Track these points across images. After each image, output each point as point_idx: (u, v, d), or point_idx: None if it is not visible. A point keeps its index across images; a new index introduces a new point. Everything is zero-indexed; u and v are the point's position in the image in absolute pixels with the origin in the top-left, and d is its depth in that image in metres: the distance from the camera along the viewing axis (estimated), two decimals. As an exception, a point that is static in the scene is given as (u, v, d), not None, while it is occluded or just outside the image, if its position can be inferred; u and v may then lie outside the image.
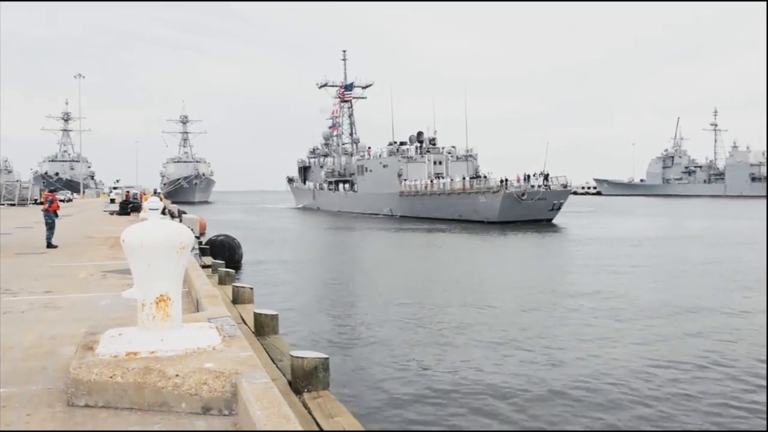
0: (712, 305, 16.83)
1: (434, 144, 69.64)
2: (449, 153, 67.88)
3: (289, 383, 6.33)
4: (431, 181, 60.54)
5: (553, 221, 50.92)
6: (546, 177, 52.27)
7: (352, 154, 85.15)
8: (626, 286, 19.93)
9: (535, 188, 51.14)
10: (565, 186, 53.40)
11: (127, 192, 51.35)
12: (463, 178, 57.88)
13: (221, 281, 13.76)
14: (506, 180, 52.34)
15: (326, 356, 6.45)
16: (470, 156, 67.88)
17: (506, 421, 8.82)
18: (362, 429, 5.53)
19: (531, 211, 50.29)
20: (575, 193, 64.75)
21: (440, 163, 66.29)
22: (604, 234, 40.36)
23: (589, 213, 66.45)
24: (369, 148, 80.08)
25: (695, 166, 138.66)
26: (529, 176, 53.02)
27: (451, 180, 58.72)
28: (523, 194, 50.11)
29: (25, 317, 7.38)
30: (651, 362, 11.48)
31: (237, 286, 11.55)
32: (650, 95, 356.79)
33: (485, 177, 57.33)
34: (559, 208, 51.92)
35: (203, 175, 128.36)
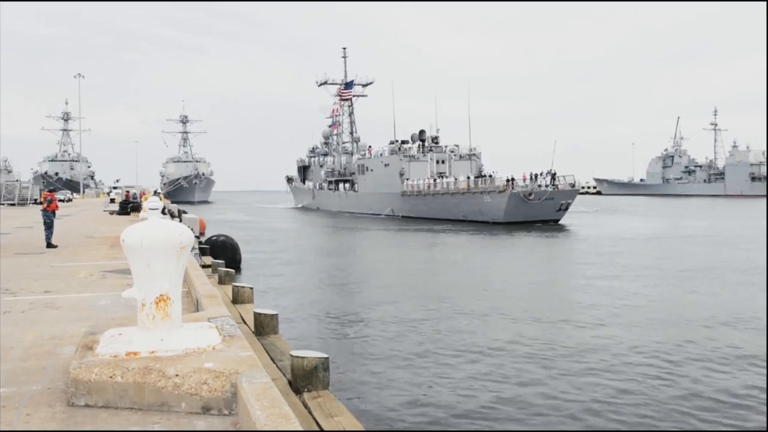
0: (714, 305, 16.83)
1: (437, 142, 68.60)
2: (452, 152, 66.95)
3: (289, 383, 6.33)
4: (434, 181, 59.69)
5: (560, 222, 50.09)
6: (553, 176, 50.96)
7: (352, 153, 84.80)
8: (634, 288, 19.87)
9: (542, 188, 49.92)
10: (573, 185, 51.99)
11: (127, 192, 51.41)
12: (468, 178, 56.77)
13: (221, 281, 13.77)
14: (512, 179, 51.03)
15: (326, 356, 6.44)
16: (474, 155, 66.87)
17: (507, 421, 8.82)
18: (362, 429, 5.53)
19: (538, 212, 49.30)
20: (575, 192, 63.70)
21: (443, 162, 65.32)
22: (611, 234, 40.09)
23: (592, 213, 66.17)
24: (370, 147, 79.66)
25: (695, 166, 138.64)
26: (535, 175, 51.75)
27: (455, 179, 57.65)
28: (530, 194, 49.00)
29: (25, 317, 7.37)
30: (652, 362, 11.48)
31: (237, 286, 11.55)
32: (650, 95, 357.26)
33: (490, 176, 56.05)
34: (567, 209, 50.76)
35: (203, 174, 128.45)
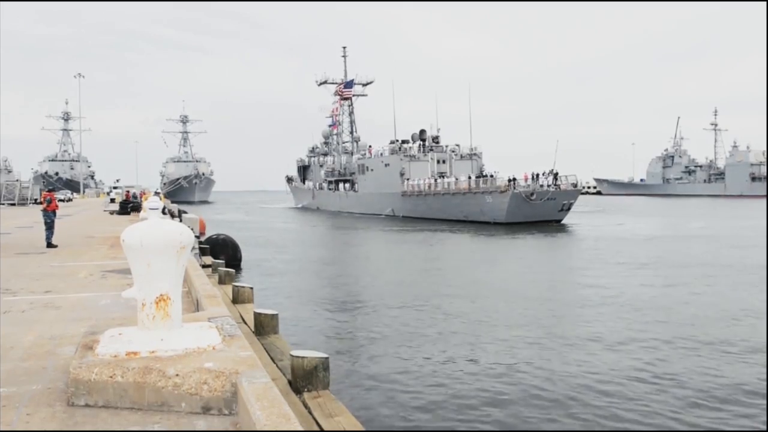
0: (716, 305, 16.83)
1: (437, 142, 68.34)
2: (453, 151, 66.68)
3: (290, 383, 6.34)
4: (435, 181, 59.43)
5: (562, 222, 49.80)
6: (555, 176, 50.72)
7: (352, 153, 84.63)
8: (637, 289, 19.83)
9: (544, 188, 49.66)
10: (575, 185, 51.79)
11: (127, 191, 51.44)
12: (469, 178, 56.39)
13: (221, 281, 13.78)
14: (514, 179, 50.77)
15: (326, 356, 6.45)
16: (475, 154, 66.56)
17: (508, 421, 8.82)
18: (362, 429, 5.53)
19: (540, 212, 49.05)
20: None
21: (444, 162, 65.08)
22: (614, 234, 39.90)
23: (594, 213, 65.92)
24: (370, 146, 79.49)
25: (695, 166, 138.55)
26: (537, 175, 51.43)
27: (456, 179, 57.31)
28: (531, 194, 48.68)
29: (25, 317, 7.37)
30: (653, 363, 11.48)
31: (237, 286, 11.55)
32: (650, 95, 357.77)
33: (492, 176, 55.65)
34: (569, 209, 50.51)
35: (203, 174, 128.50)
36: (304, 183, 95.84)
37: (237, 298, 11.13)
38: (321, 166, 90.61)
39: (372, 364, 11.50)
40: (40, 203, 21.86)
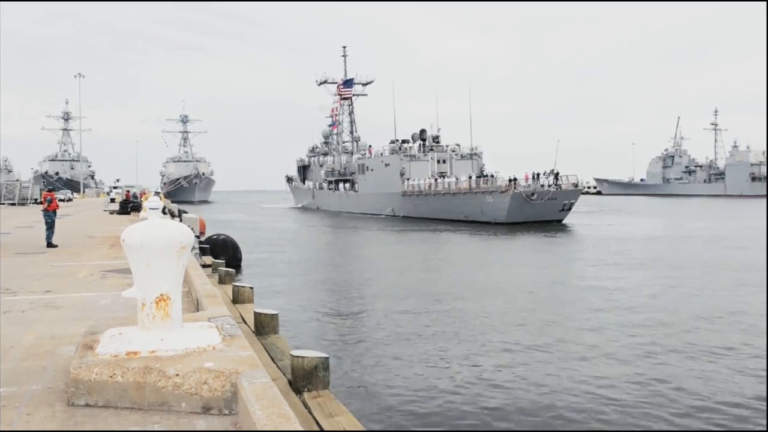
0: (715, 305, 16.83)
1: (438, 142, 68.23)
2: (453, 151, 66.60)
3: (290, 383, 6.33)
4: (435, 181, 59.35)
5: (563, 222, 49.74)
6: (556, 176, 50.71)
7: (352, 153, 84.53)
8: (636, 289, 19.85)
9: (545, 188, 49.61)
10: (576, 185, 51.76)
11: (128, 191, 51.43)
12: (470, 178, 56.30)
13: (221, 281, 13.76)
14: (515, 179, 50.70)
15: (326, 356, 6.44)
16: (475, 154, 66.47)
17: (507, 421, 8.82)
18: (362, 429, 5.53)
19: (541, 212, 48.97)
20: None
21: (444, 161, 65.00)
22: (616, 234, 39.86)
23: (595, 213, 65.84)
24: (370, 146, 79.39)
25: (695, 166, 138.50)
26: (538, 175, 51.37)
27: (457, 179, 57.21)
28: (532, 194, 48.61)
29: (25, 317, 7.37)
30: (651, 364, 11.48)
31: (237, 286, 11.54)
32: (650, 95, 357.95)
33: (492, 176, 55.52)
34: (570, 209, 50.47)
35: (203, 174, 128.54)
36: (304, 183, 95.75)
37: (237, 298, 11.12)
38: (321, 166, 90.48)
39: (372, 364, 11.51)
40: (41, 203, 21.86)
